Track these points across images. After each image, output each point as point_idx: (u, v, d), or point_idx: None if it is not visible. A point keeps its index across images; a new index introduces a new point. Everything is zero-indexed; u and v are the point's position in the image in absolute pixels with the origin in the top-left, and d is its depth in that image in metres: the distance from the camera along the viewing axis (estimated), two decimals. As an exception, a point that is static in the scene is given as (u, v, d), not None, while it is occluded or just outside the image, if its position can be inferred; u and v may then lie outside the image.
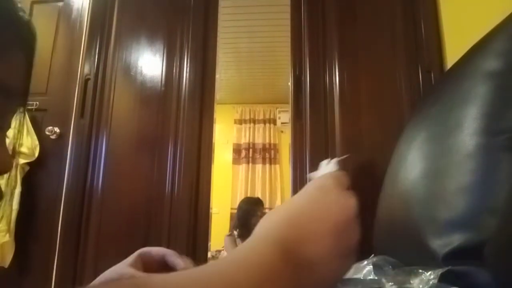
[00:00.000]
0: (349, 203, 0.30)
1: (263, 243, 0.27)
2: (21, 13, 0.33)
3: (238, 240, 2.59)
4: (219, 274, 0.22)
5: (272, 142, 4.47)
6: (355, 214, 0.30)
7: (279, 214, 0.30)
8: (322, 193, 0.31)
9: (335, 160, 0.51)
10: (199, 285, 0.21)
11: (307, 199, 0.31)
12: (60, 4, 1.87)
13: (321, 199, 0.31)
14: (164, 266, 0.48)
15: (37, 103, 1.70)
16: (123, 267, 0.45)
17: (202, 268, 0.23)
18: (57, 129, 1.68)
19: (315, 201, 0.31)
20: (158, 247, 0.50)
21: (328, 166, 0.53)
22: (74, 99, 1.68)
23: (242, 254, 0.26)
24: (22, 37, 0.33)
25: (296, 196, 0.33)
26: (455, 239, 0.58)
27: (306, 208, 0.30)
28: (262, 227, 0.30)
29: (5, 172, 0.32)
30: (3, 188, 0.34)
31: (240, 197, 4.12)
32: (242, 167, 4.39)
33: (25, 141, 1.62)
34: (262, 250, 0.26)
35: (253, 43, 3.13)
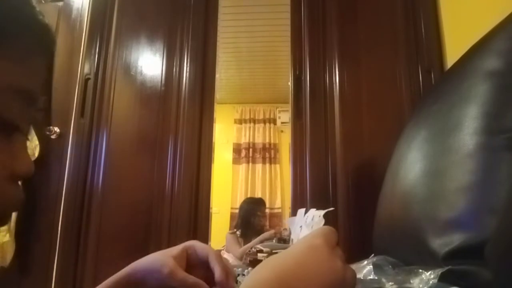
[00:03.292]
0: (337, 265, 0.32)
1: None
2: (40, 17, 0.32)
3: (240, 240, 2.62)
4: None
5: (272, 142, 4.47)
6: (342, 275, 0.32)
7: (269, 269, 0.32)
8: (311, 253, 0.33)
9: (321, 213, 0.51)
10: None
11: (297, 257, 0.33)
12: (60, 4, 1.87)
13: (310, 259, 0.32)
14: (206, 267, 0.47)
15: (37, 103, 1.71)
16: (166, 257, 0.45)
17: None
18: (57, 129, 1.68)
19: (305, 260, 0.32)
20: (205, 245, 0.49)
21: (314, 221, 0.52)
22: (74, 99, 1.68)
23: None
24: (42, 41, 0.32)
25: (286, 252, 0.34)
26: (455, 239, 0.58)
27: (296, 266, 0.31)
28: (252, 280, 0.31)
29: (28, 176, 0.31)
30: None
31: (240, 196, 4.12)
32: (242, 167, 4.39)
33: (25, 141, 1.61)
34: None
35: (253, 43, 3.13)
